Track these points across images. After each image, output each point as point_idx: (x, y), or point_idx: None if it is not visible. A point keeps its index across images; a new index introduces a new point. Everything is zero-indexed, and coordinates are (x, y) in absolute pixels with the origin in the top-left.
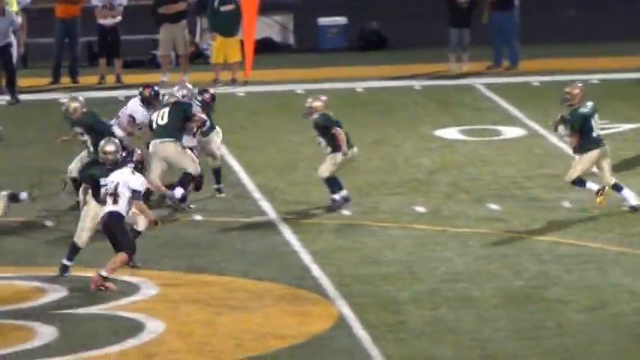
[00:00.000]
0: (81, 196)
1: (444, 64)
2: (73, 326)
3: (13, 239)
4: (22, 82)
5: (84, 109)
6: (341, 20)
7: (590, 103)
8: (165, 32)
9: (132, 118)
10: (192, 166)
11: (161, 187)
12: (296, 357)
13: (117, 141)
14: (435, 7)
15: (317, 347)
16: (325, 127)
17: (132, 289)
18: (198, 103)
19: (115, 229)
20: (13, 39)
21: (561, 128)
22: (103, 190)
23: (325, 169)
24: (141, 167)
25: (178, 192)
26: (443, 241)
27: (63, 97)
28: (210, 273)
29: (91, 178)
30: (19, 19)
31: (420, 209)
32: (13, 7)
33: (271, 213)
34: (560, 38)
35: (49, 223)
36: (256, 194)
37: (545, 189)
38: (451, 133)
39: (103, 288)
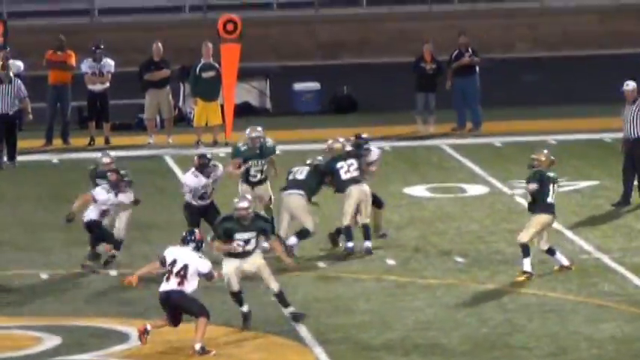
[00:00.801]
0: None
1: (411, 126)
2: None
3: (13, 291)
4: (17, 143)
5: (113, 165)
6: (314, 86)
7: (552, 173)
8: (150, 97)
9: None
10: (310, 223)
11: (279, 247)
12: None
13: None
14: (402, 73)
15: None
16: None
17: (122, 337)
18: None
19: (180, 305)
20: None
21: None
22: (235, 244)
23: (366, 216)
24: (201, 245)
25: (292, 240)
26: (412, 292)
27: (55, 158)
28: (194, 322)
29: (226, 232)
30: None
31: (391, 262)
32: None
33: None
34: (519, 102)
35: (43, 276)
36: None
37: (507, 243)
38: (419, 190)
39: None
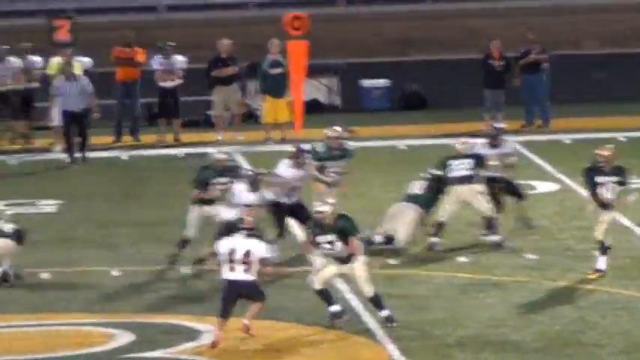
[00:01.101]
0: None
1: (480, 123)
2: None
3: (84, 287)
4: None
5: (228, 160)
6: (384, 82)
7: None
8: (218, 94)
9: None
10: (403, 238)
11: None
12: None
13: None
14: (471, 70)
15: None
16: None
17: (194, 334)
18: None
19: (247, 294)
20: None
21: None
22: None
23: (486, 210)
24: (253, 232)
25: (377, 238)
26: (484, 289)
27: (125, 155)
28: (266, 319)
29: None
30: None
31: (463, 259)
32: (77, 71)
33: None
34: (589, 98)
35: (114, 272)
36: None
37: (577, 240)
38: None
39: (250, 334)
